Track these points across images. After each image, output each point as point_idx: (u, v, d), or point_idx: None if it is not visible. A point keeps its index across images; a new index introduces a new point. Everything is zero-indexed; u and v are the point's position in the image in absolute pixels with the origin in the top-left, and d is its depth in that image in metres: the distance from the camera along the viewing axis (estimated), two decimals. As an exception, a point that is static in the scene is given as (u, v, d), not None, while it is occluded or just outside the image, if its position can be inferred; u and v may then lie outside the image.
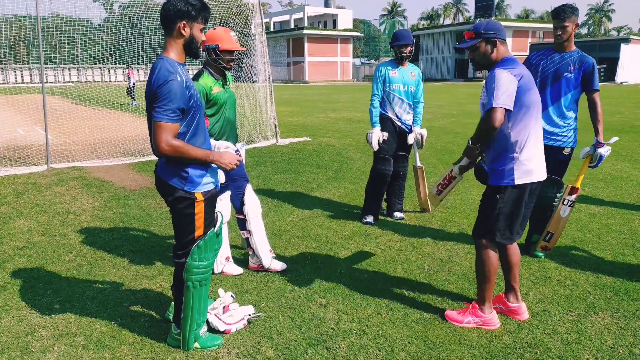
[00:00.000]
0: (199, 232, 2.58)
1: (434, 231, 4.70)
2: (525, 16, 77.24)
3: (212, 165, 2.59)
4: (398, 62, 4.76)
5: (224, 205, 3.61)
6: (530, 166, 2.75)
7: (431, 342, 2.79)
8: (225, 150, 2.70)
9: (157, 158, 2.54)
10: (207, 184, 2.56)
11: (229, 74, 3.68)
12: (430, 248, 4.24)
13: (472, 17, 57.46)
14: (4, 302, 3.30)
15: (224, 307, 2.99)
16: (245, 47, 10.86)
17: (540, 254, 3.99)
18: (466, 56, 55.99)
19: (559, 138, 3.87)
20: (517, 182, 2.74)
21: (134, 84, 18.53)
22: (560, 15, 3.67)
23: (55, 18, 11.24)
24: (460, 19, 76.95)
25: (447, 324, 2.97)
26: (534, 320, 3.02)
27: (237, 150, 3.71)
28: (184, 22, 2.40)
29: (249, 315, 3.03)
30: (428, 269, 3.81)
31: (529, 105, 2.71)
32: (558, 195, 3.93)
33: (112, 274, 3.75)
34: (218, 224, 2.69)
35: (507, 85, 2.61)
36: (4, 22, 10.05)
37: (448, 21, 77.87)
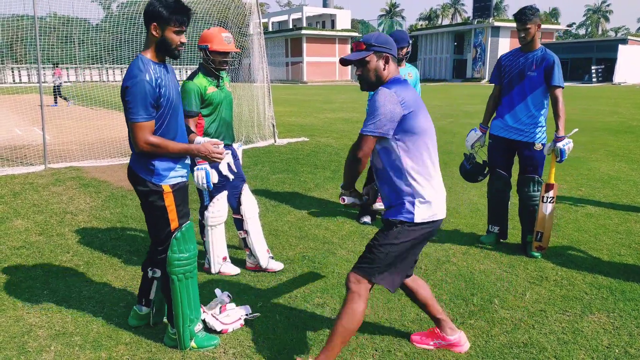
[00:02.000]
0: (173, 224, 2.65)
1: (431, 231, 4.70)
2: (524, 17, 77.25)
3: (186, 160, 2.71)
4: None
5: (220, 205, 3.61)
6: (432, 203, 2.36)
7: (428, 342, 2.79)
8: (204, 143, 2.70)
9: None
10: (174, 177, 2.63)
11: (225, 74, 3.67)
12: (427, 248, 4.25)
13: (471, 18, 57.50)
14: (1, 302, 3.29)
15: (220, 307, 2.99)
16: (243, 47, 10.85)
17: (536, 254, 4.00)
18: (464, 56, 56.38)
19: (526, 134, 3.97)
20: (417, 219, 2.34)
21: (60, 84, 17.94)
22: (522, 18, 3.82)
23: (53, 18, 11.22)
24: (459, 20, 77.06)
25: (444, 324, 2.98)
26: (530, 320, 3.03)
27: (232, 150, 3.71)
28: (155, 23, 2.47)
29: (246, 315, 3.03)
30: (425, 269, 3.82)
31: (420, 133, 2.32)
32: (536, 192, 4.01)
33: (109, 274, 3.75)
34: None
35: (388, 107, 2.25)
36: (2, 22, 10.02)
37: (446, 21, 77.98)
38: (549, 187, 3.93)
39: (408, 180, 2.34)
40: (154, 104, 2.46)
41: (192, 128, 3.45)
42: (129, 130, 2.49)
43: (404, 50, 4.68)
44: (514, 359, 2.64)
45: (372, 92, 2.40)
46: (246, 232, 3.75)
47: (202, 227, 3.74)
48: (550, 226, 3.98)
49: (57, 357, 2.67)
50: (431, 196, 2.36)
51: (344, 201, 2.55)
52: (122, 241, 4.45)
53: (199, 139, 3.09)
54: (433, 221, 2.38)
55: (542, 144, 3.97)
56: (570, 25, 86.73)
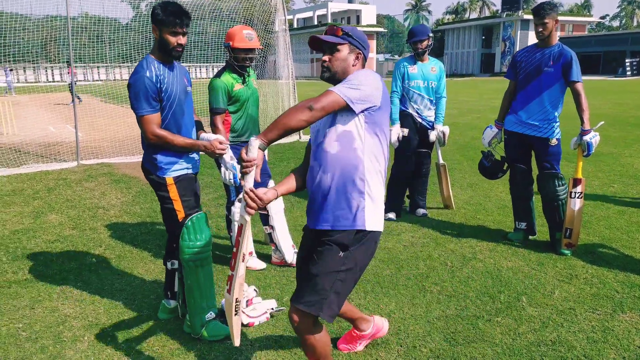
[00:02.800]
0: (180, 215, 2.78)
1: (457, 228, 4.67)
2: (554, 9, 75.36)
3: (191, 154, 2.84)
4: (417, 57, 4.73)
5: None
6: (379, 207, 2.06)
7: (453, 339, 2.78)
8: (212, 140, 2.76)
9: None
10: (177, 170, 2.76)
11: (251, 71, 3.72)
12: (454, 245, 4.22)
13: (499, 11, 56.41)
14: (37, 293, 3.42)
15: (247, 301, 3.04)
16: (268, 44, 10.92)
17: (566, 251, 3.92)
18: (492, 50, 55.38)
19: (541, 130, 3.94)
20: (369, 226, 2.01)
21: (75, 82, 18.21)
22: (540, 13, 3.78)
23: (84, 18, 11.50)
24: (487, 13, 75.63)
25: (470, 321, 2.96)
26: (558, 319, 2.98)
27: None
28: (154, 25, 2.64)
29: (272, 309, 3.07)
30: (451, 265, 3.79)
31: (384, 130, 2.05)
32: (560, 188, 3.94)
33: (140, 267, 3.85)
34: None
35: (373, 86, 1.97)
36: (36, 23, 10.33)
37: (474, 15, 76.65)
38: (577, 182, 3.86)
39: (363, 175, 2.01)
40: (155, 98, 2.63)
41: (219, 125, 3.52)
42: (139, 125, 2.67)
43: (424, 43, 4.63)
44: (542, 357, 2.60)
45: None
46: (272, 227, 3.80)
47: (229, 222, 3.80)
48: (580, 222, 3.90)
49: (91, 346, 2.76)
50: (379, 200, 2.06)
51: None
52: (152, 235, 4.56)
53: (204, 135, 3.08)
54: (380, 231, 2.09)
55: (557, 139, 3.93)
56: (603, 17, 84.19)
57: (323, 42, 2.10)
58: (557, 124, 3.96)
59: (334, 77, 2.12)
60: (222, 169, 3.16)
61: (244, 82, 3.60)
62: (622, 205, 5.24)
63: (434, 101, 4.81)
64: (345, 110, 1.98)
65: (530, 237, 4.29)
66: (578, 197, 3.87)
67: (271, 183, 3.85)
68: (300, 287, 2.10)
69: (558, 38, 3.94)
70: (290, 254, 3.79)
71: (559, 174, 3.96)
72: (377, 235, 2.09)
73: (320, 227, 2.06)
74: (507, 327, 2.90)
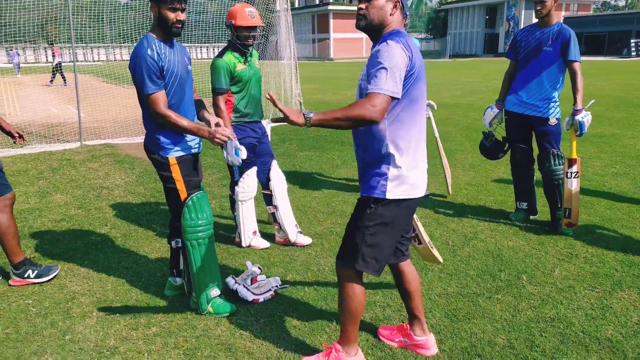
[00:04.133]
0: (182, 194, 2.82)
1: (459, 208, 4.70)
2: (560, -12, 74.22)
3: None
4: None
5: (250, 181, 3.70)
6: (411, 178, 2.15)
7: (454, 315, 2.84)
8: (217, 129, 2.72)
9: None
10: (179, 150, 2.79)
11: (254, 51, 3.71)
12: (455, 224, 4.26)
13: (504, -10, 55.52)
14: (45, 270, 3.48)
15: (252, 279, 3.09)
16: (270, 23, 10.82)
17: (567, 231, 3.96)
18: (496, 30, 54.70)
19: (540, 109, 3.96)
20: (390, 195, 2.13)
21: (59, 62, 17.67)
22: None
23: (83, -3, 11.38)
24: (491, -8, 74.40)
25: (470, 299, 3.01)
26: (558, 296, 3.03)
27: (261, 127, 3.77)
28: (152, 3, 2.64)
29: (276, 286, 3.13)
30: (452, 244, 3.84)
31: (416, 99, 2.09)
32: (558, 167, 3.98)
33: (145, 245, 3.91)
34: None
35: (401, 64, 1.96)
36: (34, 2, 10.22)
37: (478, -6, 75.41)
38: (572, 161, 3.90)
39: (388, 148, 2.11)
40: (158, 76, 2.63)
41: (221, 105, 3.53)
42: (145, 104, 2.68)
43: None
44: (541, 332, 2.66)
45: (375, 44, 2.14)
46: (275, 207, 3.84)
47: (233, 202, 3.84)
48: (578, 201, 3.93)
49: (100, 322, 2.83)
50: (408, 170, 2.14)
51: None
52: (156, 215, 4.61)
53: (207, 115, 3.05)
54: (408, 199, 2.18)
55: (557, 119, 3.96)
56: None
57: None
58: (557, 103, 3.97)
59: (369, 26, 2.12)
60: (224, 151, 3.17)
61: (246, 61, 3.60)
62: (623, 186, 5.26)
63: None
64: None
65: (532, 217, 4.33)
66: (574, 177, 3.90)
67: (274, 163, 3.87)
68: (341, 245, 2.32)
69: (562, 18, 3.93)
70: (293, 233, 3.83)
71: (559, 153, 3.99)
72: (404, 202, 2.17)
73: (361, 194, 2.26)
74: (507, 304, 2.96)
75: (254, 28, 3.51)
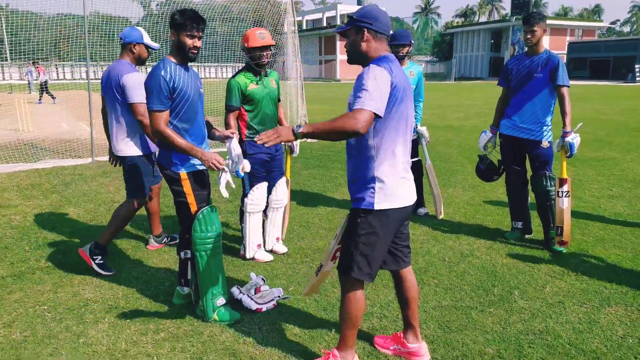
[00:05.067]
0: (193, 207, 3.01)
1: (456, 226, 4.86)
2: (564, 14, 75.19)
3: (206, 148, 3.07)
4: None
5: (260, 194, 3.89)
6: (394, 189, 2.32)
7: (447, 327, 2.98)
8: (211, 152, 2.95)
9: None
10: (190, 165, 3.01)
11: (273, 72, 3.98)
12: (452, 242, 4.41)
13: (509, 15, 56.36)
14: (59, 278, 3.66)
15: (255, 289, 3.26)
16: (277, 45, 11.15)
17: (559, 249, 4.11)
18: (501, 54, 55.35)
19: (533, 133, 4.16)
20: (377, 206, 2.30)
21: (45, 81, 17.66)
22: (529, 21, 4.03)
23: (96, 16, 11.77)
24: (496, 17, 75.55)
25: (464, 312, 3.16)
26: (548, 311, 3.17)
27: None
28: (172, 30, 2.89)
29: (279, 296, 3.29)
30: (449, 261, 3.99)
31: (400, 118, 2.28)
32: (551, 188, 4.15)
33: (155, 257, 4.08)
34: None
35: (382, 86, 2.15)
36: (48, 21, 10.58)
37: (483, 19, 76.57)
38: (563, 181, 4.07)
39: (375, 162, 2.30)
40: (167, 97, 2.86)
41: (231, 121, 3.81)
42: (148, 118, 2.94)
43: (405, 49, 4.70)
44: (529, 344, 2.80)
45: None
46: (266, 215, 4.04)
47: (242, 214, 4.04)
48: (569, 220, 4.09)
49: (111, 327, 2.99)
50: (394, 182, 2.31)
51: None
52: (165, 228, 4.77)
53: (217, 133, 3.28)
54: (394, 208, 2.33)
55: (549, 142, 4.15)
56: (614, 23, 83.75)
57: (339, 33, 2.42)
58: (549, 127, 4.16)
59: (352, 60, 2.42)
60: (227, 160, 3.35)
61: (259, 81, 3.85)
62: (618, 208, 5.41)
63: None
64: None
65: (527, 236, 4.48)
66: (565, 196, 4.07)
67: (282, 180, 4.08)
68: (339, 256, 2.50)
69: (549, 44, 4.17)
70: (270, 242, 4.09)
71: (551, 175, 4.16)
72: (391, 212, 2.33)
73: (352, 206, 2.42)
74: (499, 317, 3.10)
75: (265, 48, 3.78)
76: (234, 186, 3.03)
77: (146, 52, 3.87)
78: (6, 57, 13.20)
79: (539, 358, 2.67)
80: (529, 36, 4.06)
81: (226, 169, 2.94)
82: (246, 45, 3.76)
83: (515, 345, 2.79)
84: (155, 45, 3.87)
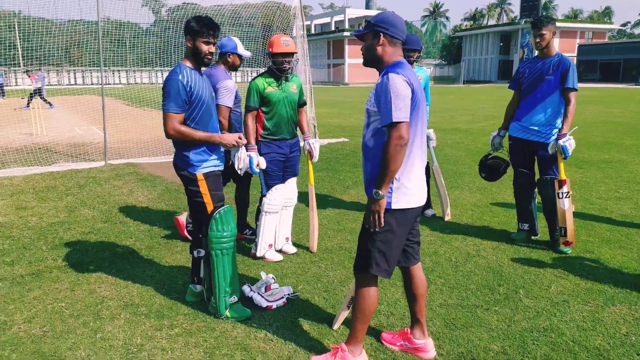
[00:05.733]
0: (209, 207, 3.11)
1: (463, 227, 4.92)
2: (574, 16, 74.77)
3: (220, 150, 3.20)
4: None
5: (277, 194, 4.01)
6: (411, 189, 2.41)
7: (453, 325, 3.05)
8: (229, 134, 3.18)
9: None
10: (207, 166, 3.10)
11: (295, 77, 4.14)
12: (459, 243, 4.48)
13: (518, 18, 56.21)
14: (76, 277, 3.78)
15: (265, 287, 3.35)
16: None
17: (565, 249, 4.16)
18: (510, 57, 55.19)
19: (542, 135, 4.19)
20: (395, 206, 2.39)
21: (38, 88, 16.91)
22: (537, 24, 4.08)
23: (106, 22, 11.98)
24: (505, 20, 75.33)
25: (469, 310, 3.23)
26: (552, 309, 3.23)
27: (287, 144, 4.16)
28: (189, 36, 3.00)
29: (288, 294, 3.38)
30: (455, 261, 4.06)
31: (417, 121, 2.39)
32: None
33: (168, 256, 4.19)
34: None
35: (404, 92, 2.28)
36: (59, 27, 10.78)
37: (492, 22, 76.36)
38: (562, 182, 4.13)
39: None
40: (185, 101, 2.96)
41: (249, 121, 3.98)
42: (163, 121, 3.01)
43: (415, 54, 4.77)
44: (534, 341, 2.86)
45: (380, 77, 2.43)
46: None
47: (258, 212, 4.15)
48: (572, 220, 4.14)
49: (127, 323, 3.10)
50: (410, 183, 2.41)
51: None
52: (177, 229, 4.90)
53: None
54: (410, 208, 2.44)
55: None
56: (624, 25, 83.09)
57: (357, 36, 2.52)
58: (558, 129, 4.19)
59: (367, 63, 2.54)
60: (237, 156, 3.47)
61: (279, 85, 3.99)
62: (625, 210, 5.44)
63: None
64: (377, 115, 2.38)
65: (533, 237, 4.53)
66: (565, 197, 4.12)
67: (293, 180, 4.20)
68: (356, 253, 2.58)
69: (558, 46, 4.20)
70: (280, 242, 4.18)
71: (553, 178, 4.20)
72: (407, 211, 2.43)
73: None
74: (504, 315, 3.16)
75: (289, 54, 3.92)
76: (263, 165, 3.41)
77: (239, 61, 4.18)
78: (19, 63, 13.46)
79: (543, 354, 2.73)
80: (537, 40, 4.12)
81: (242, 149, 3.18)
82: (271, 50, 3.91)
83: (520, 342, 2.85)
84: (247, 54, 4.18)
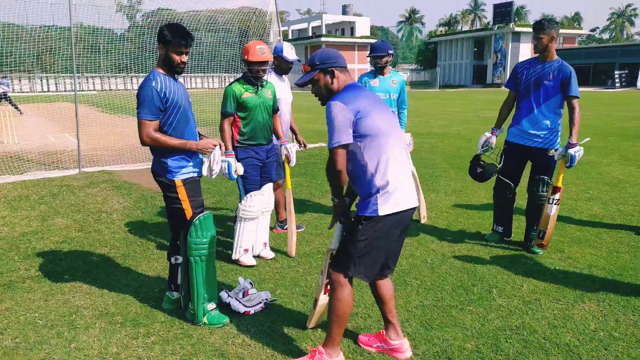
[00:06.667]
0: (188, 213, 3.09)
1: (439, 230, 5.00)
2: (545, 22, 76.37)
3: (199, 156, 3.19)
4: (378, 71, 4.97)
5: (253, 202, 4.02)
6: (394, 195, 2.47)
7: (428, 325, 3.10)
8: (203, 140, 3.17)
9: None
10: (185, 173, 3.09)
11: (270, 83, 4.17)
12: (435, 245, 4.55)
13: (491, 24, 57.33)
14: (49, 287, 3.71)
15: (243, 292, 3.35)
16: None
17: (537, 250, 4.26)
18: (484, 62, 56.27)
19: (541, 140, 4.20)
20: (381, 212, 2.46)
21: (3, 92, 16.56)
22: (536, 27, 4.12)
23: (79, 28, 11.78)
24: (479, 25, 76.74)
25: (445, 310, 3.28)
26: (524, 308, 3.31)
27: (263, 149, 4.16)
28: (161, 44, 2.98)
29: (266, 299, 3.38)
30: (431, 262, 4.12)
31: (376, 134, 2.45)
32: (545, 192, 4.25)
33: (144, 264, 4.15)
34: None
35: (339, 118, 2.41)
36: (31, 33, 10.56)
37: (466, 27, 77.72)
38: (556, 189, 4.16)
39: (369, 177, 2.47)
40: (160, 107, 2.96)
41: (225, 126, 3.99)
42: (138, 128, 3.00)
43: (383, 59, 4.83)
44: (506, 339, 2.93)
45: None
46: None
47: (236, 217, 4.16)
48: (553, 226, 4.22)
49: (102, 332, 3.06)
50: (392, 189, 2.46)
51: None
52: (153, 236, 4.86)
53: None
54: (398, 212, 2.49)
55: (556, 149, 4.19)
56: (593, 30, 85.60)
57: (306, 82, 2.65)
58: (559, 133, 4.22)
59: (327, 100, 2.59)
60: (221, 163, 3.44)
61: (256, 92, 4.02)
62: (595, 210, 5.60)
63: (396, 112, 4.99)
64: None
65: (506, 238, 4.63)
66: (555, 204, 4.16)
67: (269, 185, 4.23)
68: (336, 254, 2.70)
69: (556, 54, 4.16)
70: (258, 248, 4.19)
71: (547, 180, 4.25)
72: (392, 217, 2.49)
73: (357, 213, 2.59)
74: (478, 314, 3.23)
75: (264, 62, 3.95)
76: (241, 171, 3.41)
77: (285, 64, 4.54)
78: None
79: (516, 352, 2.80)
80: (535, 43, 4.11)
81: (216, 150, 3.13)
82: (246, 58, 3.91)
83: (493, 340, 2.92)
84: (293, 57, 4.49)
